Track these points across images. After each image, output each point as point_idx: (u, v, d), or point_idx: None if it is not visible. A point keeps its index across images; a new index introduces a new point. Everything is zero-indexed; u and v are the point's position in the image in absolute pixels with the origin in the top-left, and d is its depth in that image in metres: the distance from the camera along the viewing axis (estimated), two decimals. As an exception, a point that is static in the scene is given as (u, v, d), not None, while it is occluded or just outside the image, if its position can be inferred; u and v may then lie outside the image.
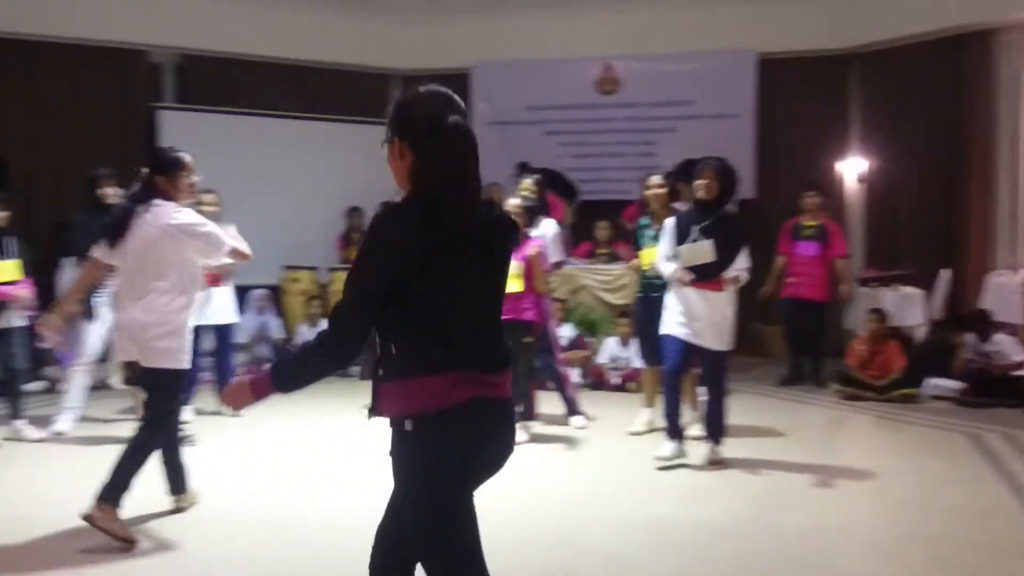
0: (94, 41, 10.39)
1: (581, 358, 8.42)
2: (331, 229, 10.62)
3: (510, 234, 2.43)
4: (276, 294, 10.10)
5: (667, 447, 5.55)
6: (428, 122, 2.26)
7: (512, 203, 6.22)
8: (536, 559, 3.96)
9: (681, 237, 5.46)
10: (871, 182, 10.56)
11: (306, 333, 9.43)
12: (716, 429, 5.58)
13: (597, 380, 8.32)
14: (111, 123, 10.60)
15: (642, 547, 4.12)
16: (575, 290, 8.94)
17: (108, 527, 4.04)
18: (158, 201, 4.28)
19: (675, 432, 5.57)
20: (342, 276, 10.02)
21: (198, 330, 5.01)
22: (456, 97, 2.32)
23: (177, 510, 4.57)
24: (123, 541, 4.06)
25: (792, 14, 10.64)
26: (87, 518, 4.06)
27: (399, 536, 2.38)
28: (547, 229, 6.64)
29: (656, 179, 6.45)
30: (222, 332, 7.06)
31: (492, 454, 2.31)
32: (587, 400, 7.58)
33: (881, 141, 10.40)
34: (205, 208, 6.20)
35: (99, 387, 7.62)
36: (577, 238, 10.17)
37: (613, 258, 9.36)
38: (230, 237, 4.54)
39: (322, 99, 11.19)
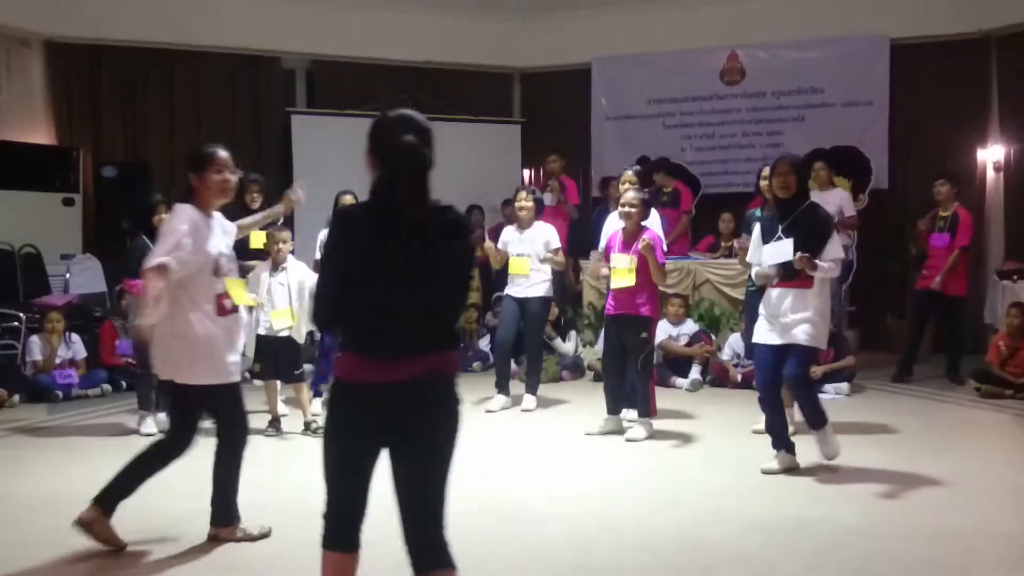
0: (230, 48, 10.87)
1: (704, 353, 8.29)
2: (454, 227, 10.78)
3: (455, 236, 2.78)
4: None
5: (774, 460, 5.25)
6: (387, 141, 2.76)
7: (630, 196, 6.17)
8: (665, 556, 3.94)
9: (767, 237, 5.24)
10: (1012, 170, 10.02)
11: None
12: (813, 419, 5.22)
13: (720, 377, 8.18)
14: (247, 128, 11.07)
15: (771, 548, 4.04)
16: (697, 285, 8.82)
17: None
18: (178, 204, 3.99)
19: (780, 443, 5.27)
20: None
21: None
22: (418, 119, 2.87)
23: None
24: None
25: (924, -4, 10.21)
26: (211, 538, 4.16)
27: None
28: (654, 219, 6.48)
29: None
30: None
31: (382, 427, 2.68)
32: (710, 397, 7.50)
33: (1022, 127, 9.86)
34: (281, 247, 6.32)
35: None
36: (700, 232, 10.04)
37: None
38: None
39: (445, 99, 11.38)
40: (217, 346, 3.95)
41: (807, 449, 5.33)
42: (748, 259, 5.50)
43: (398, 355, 2.63)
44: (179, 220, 3.87)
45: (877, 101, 10.41)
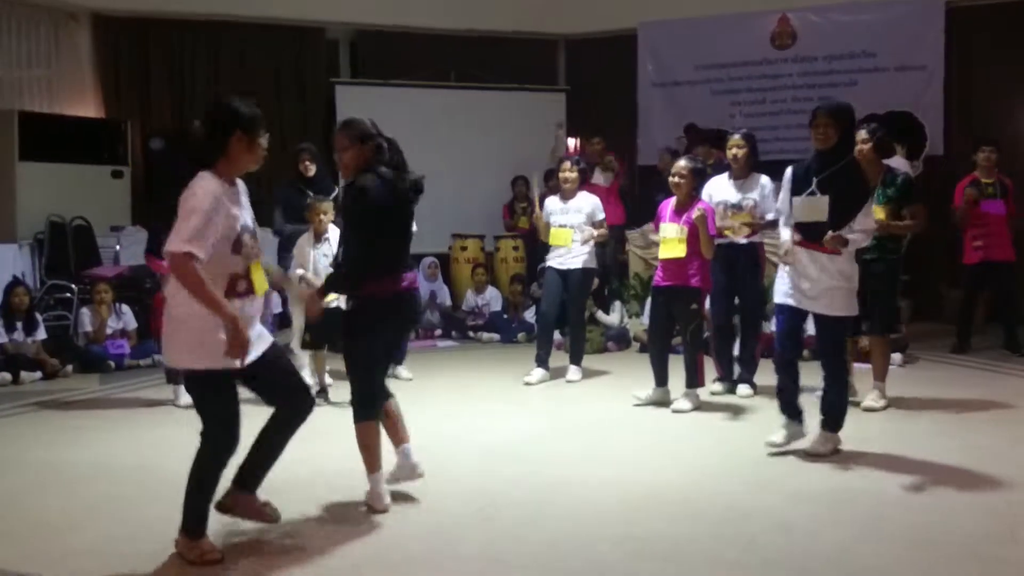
0: (274, 19, 10.88)
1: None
2: (497, 198, 10.76)
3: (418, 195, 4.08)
4: (445, 262, 10.33)
5: (779, 432, 4.92)
6: (369, 132, 4.03)
7: (680, 164, 6.08)
8: (710, 526, 3.90)
9: (798, 189, 4.82)
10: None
11: (472, 299, 9.61)
12: (831, 416, 4.89)
13: (768, 347, 8.05)
14: (292, 99, 11.12)
15: (817, 519, 3.98)
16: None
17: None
18: (202, 173, 3.48)
19: (788, 410, 4.94)
20: (508, 244, 10.21)
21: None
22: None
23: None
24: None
25: (983, -44, 9.88)
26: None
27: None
28: (761, 185, 6.31)
29: None
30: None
31: (399, 323, 4.24)
32: (759, 368, 7.39)
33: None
34: (323, 218, 6.26)
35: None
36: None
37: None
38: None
39: (489, 68, 11.31)
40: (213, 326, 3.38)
41: (859, 419, 5.23)
42: (778, 206, 5.15)
43: (404, 271, 4.03)
44: (203, 196, 3.35)
45: (931, 65, 10.14)
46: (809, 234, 4.75)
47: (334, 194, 6.89)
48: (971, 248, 8.14)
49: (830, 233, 4.68)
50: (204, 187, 3.40)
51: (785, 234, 4.92)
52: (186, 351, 3.47)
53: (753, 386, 6.52)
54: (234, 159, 3.52)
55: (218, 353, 3.38)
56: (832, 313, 4.77)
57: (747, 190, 6.33)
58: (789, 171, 4.98)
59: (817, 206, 4.71)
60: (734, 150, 6.35)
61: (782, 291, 4.91)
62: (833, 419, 4.91)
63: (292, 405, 3.76)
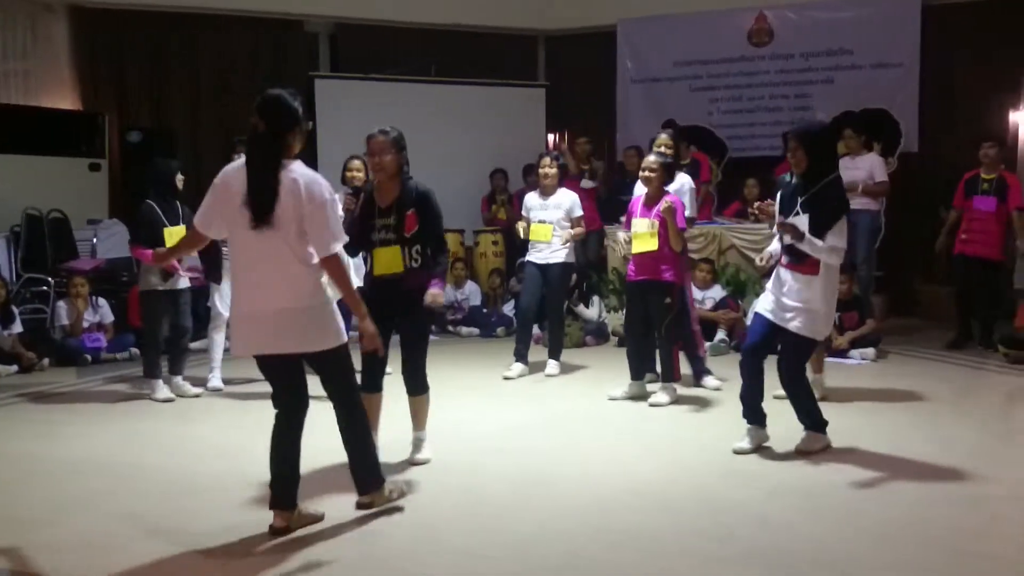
0: (253, 12, 10.83)
1: (730, 320, 8.25)
2: (476, 192, 10.76)
3: None
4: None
5: (744, 439, 4.98)
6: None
7: (649, 159, 6.13)
8: (688, 520, 3.95)
9: (785, 210, 4.90)
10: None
11: (451, 294, 9.62)
12: (809, 420, 4.98)
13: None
14: (270, 92, 11.04)
15: (794, 512, 4.04)
16: (723, 250, 8.76)
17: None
18: (319, 176, 3.74)
19: (752, 416, 5.00)
20: (488, 238, 10.22)
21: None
22: None
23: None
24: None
25: (958, -47, 9.99)
26: (362, 506, 3.98)
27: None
28: (682, 184, 6.45)
29: None
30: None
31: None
32: (735, 362, 7.40)
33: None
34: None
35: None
36: (727, 197, 9.95)
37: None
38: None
39: (469, 63, 11.30)
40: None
41: (831, 415, 5.30)
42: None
43: None
44: (330, 190, 3.68)
45: (907, 63, 10.24)
46: (794, 256, 4.82)
47: None
48: (959, 240, 8.25)
49: (779, 219, 4.81)
50: (331, 190, 3.70)
51: (772, 246, 5.09)
52: (332, 332, 3.74)
53: (709, 374, 6.61)
54: (295, 149, 3.69)
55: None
56: (803, 334, 4.84)
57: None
58: (779, 195, 5.06)
59: (801, 226, 4.75)
60: (661, 148, 6.43)
61: (763, 303, 5.03)
62: (812, 421, 5.00)
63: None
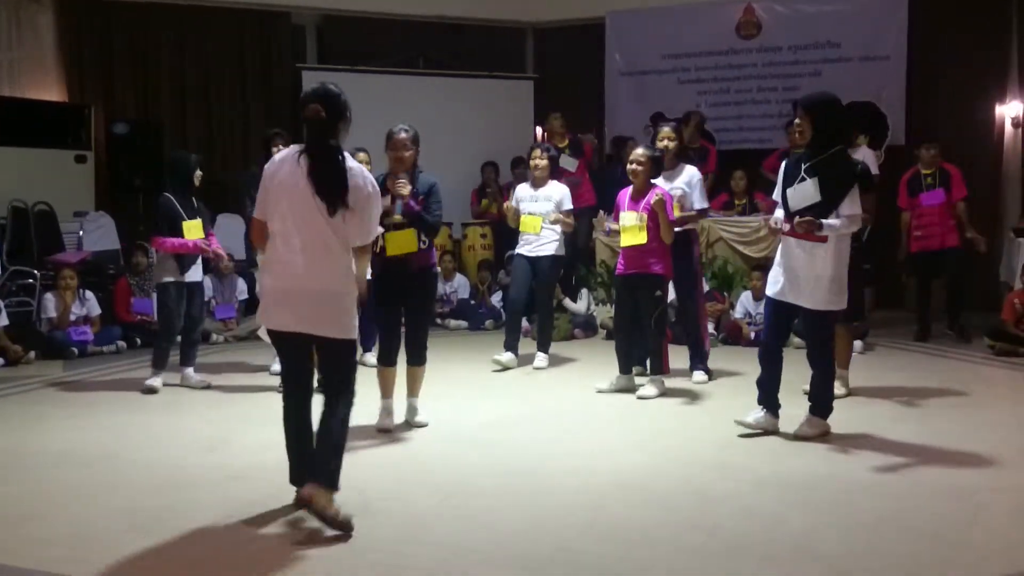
0: (239, 3, 10.78)
1: (717, 312, 8.28)
2: (465, 185, 10.74)
3: None
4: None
5: (752, 414, 5.04)
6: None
7: (637, 152, 6.13)
8: (676, 512, 3.96)
9: (789, 180, 4.90)
10: (1031, 126, 9.90)
11: (440, 287, 9.61)
12: (818, 403, 5.02)
13: (733, 335, 8.17)
14: (257, 84, 11.02)
15: (781, 503, 4.05)
16: (711, 243, 8.77)
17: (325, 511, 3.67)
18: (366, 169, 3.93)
19: (766, 401, 5.04)
20: (476, 231, 10.22)
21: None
22: None
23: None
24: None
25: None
26: (303, 498, 3.72)
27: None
28: (691, 176, 6.43)
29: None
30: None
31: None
32: (722, 355, 7.49)
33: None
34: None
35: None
36: (714, 189, 9.95)
37: (751, 209, 9.13)
38: None
39: (457, 55, 11.28)
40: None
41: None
42: (774, 196, 5.22)
43: None
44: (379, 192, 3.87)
45: (894, 56, 10.27)
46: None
47: None
48: (914, 238, 8.32)
49: (797, 219, 4.76)
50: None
51: (778, 213, 5.08)
52: (351, 324, 3.81)
53: (708, 371, 6.62)
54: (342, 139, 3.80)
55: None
56: (816, 307, 4.86)
57: (674, 180, 6.43)
58: (782, 165, 5.07)
59: (807, 191, 4.78)
60: (664, 141, 6.42)
61: (771, 284, 5.02)
62: (820, 406, 5.03)
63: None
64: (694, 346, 6.66)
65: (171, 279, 6.38)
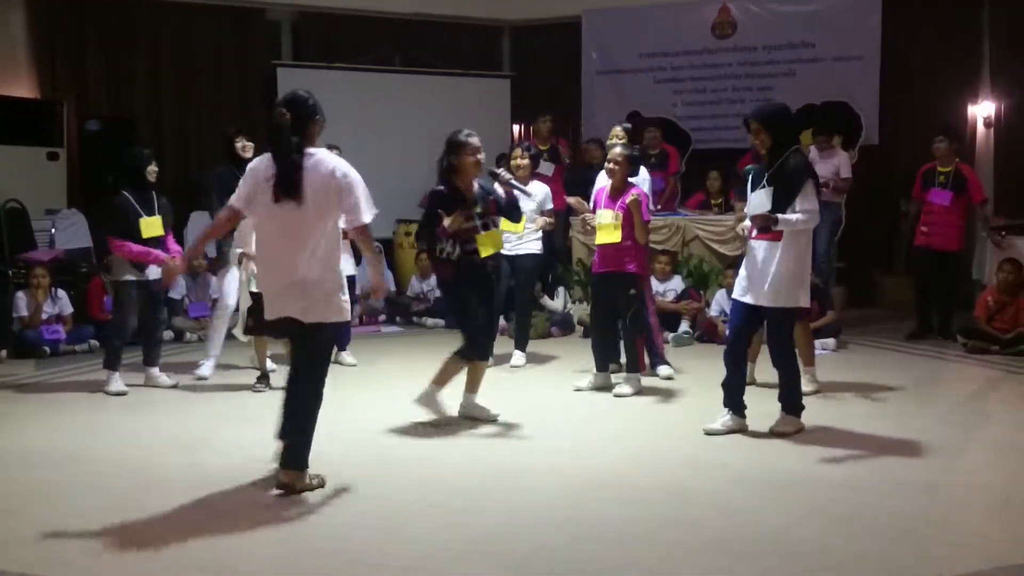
0: (214, 0, 10.68)
1: (692, 310, 8.31)
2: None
3: None
4: (388, 247, 10.28)
5: (719, 419, 5.10)
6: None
7: (615, 152, 6.14)
8: (653, 509, 3.97)
9: (754, 189, 5.08)
10: (1002, 126, 9.99)
11: (416, 285, 9.59)
12: (787, 401, 5.12)
13: (709, 333, 8.20)
14: (232, 81, 10.93)
15: (758, 500, 4.08)
16: (687, 241, 8.81)
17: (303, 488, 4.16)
18: (312, 149, 4.15)
19: (731, 403, 5.11)
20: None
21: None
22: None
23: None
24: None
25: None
26: (282, 486, 4.13)
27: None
28: (644, 179, 6.50)
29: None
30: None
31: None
32: (698, 353, 7.53)
33: (1013, 82, 9.83)
34: None
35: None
36: (690, 189, 10.01)
37: (727, 209, 9.18)
38: None
39: (434, 53, 11.25)
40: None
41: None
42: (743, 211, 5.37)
43: None
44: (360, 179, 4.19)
45: (868, 56, 10.33)
46: (759, 226, 4.95)
47: None
48: (919, 232, 8.36)
49: (751, 214, 4.92)
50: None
51: (745, 221, 5.21)
52: (334, 307, 4.14)
53: (669, 364, 6.65)
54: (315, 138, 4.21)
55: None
56: (776, 305, 4.95)
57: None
58: (751, 174, 5.19)
59: (761, 199, 4.95)
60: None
61: (736, 287, 5.13)
62: (790, 404, 5.11)
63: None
64: (649, 346, 6.66)
65: (131, 277, 6.29)
